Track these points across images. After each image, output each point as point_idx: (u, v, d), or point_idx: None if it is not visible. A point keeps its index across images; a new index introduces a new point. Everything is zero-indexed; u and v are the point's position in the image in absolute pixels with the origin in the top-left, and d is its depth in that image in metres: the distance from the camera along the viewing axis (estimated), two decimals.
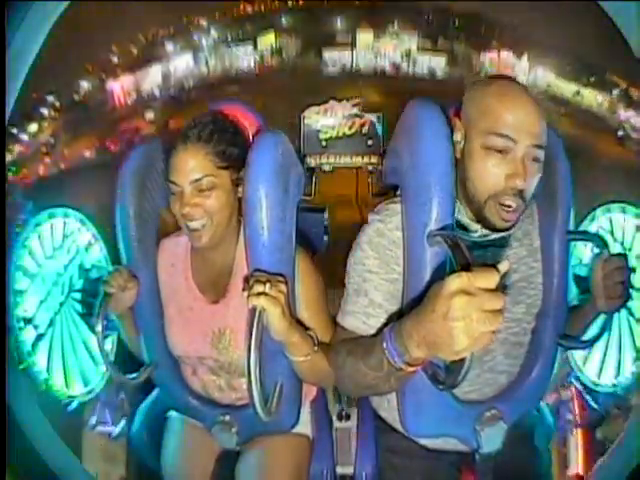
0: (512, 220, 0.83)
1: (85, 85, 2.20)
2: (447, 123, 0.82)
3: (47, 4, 0.96)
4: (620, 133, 2.04)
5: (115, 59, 2.37)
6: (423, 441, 0.97)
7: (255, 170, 0.88)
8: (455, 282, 0.54)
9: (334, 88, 2.58)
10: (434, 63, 2.79)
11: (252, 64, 2.78)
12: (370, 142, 2.28)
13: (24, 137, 1.79)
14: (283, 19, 2.80)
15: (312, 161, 2.29)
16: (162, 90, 2.58)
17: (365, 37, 2.76)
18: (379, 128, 2.27)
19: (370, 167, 2.31)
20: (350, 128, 2.28)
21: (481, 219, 0.85)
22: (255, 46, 2.77)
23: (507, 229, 0.85)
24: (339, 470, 1.17)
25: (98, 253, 1.67)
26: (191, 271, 1.04)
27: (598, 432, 1.53)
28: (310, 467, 1.09)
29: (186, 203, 0.91)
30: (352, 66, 2.77)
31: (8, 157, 1.62)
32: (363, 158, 2.30)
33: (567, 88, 2.40)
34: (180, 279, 1.04)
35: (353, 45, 2.76)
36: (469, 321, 0.53)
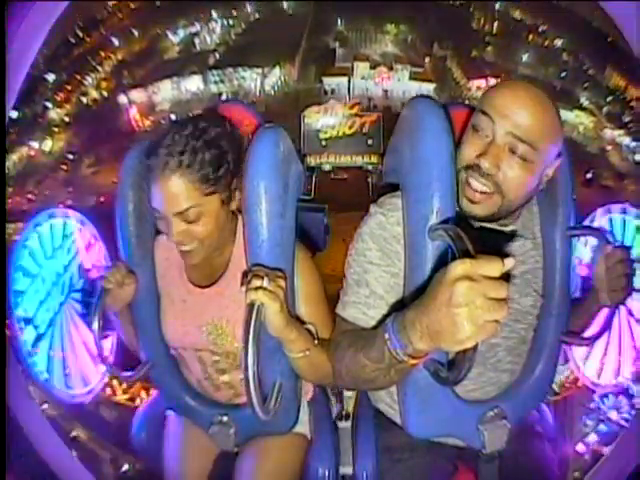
0: (477, 201, 0.82)
1: None
2: (448, 119, 0.82)
3: (47, 4, 0.96)
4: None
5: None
6: None
7: (255, 165, 0.88)
8: (458, 268, 0.54)
9: None
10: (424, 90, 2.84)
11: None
12: (370, 142, 2.29)
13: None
14: None
15: (312, 160, 2.30)
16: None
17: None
18: (379, 128, 2.27)
19: (370, 167, 2.31)
20: (350, 128, 2.29)
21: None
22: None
23: (475, 216, 0.84)
24: (339, 470, 1.16)
25: (98, 253, 1.67)
26: (185, 264, 1.03)
27: None
28: (311, 467, 1.08)
29: (173, 233, 0.88)
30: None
31: None
32: (363, 158, 2.31)
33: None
34: (174, 271, 1.03)
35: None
36: (472, 307, 0.53)
